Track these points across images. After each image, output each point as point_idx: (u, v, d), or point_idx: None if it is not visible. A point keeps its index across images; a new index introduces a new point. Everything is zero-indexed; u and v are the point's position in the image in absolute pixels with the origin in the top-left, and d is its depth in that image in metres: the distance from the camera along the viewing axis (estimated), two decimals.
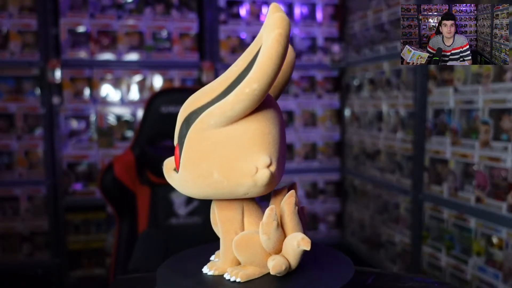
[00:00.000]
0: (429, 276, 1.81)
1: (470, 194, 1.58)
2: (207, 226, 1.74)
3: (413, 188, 1.90)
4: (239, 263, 0.56)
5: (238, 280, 0.53)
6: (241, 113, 0.49)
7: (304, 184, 2.64)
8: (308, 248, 0.52)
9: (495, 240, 1.48)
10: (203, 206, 1.68)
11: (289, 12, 2.55)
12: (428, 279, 0.78)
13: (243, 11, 2.50)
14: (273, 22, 0.45)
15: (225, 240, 0.55)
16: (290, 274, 0.56)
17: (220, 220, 0.55)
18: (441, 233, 1.75)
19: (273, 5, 0.46)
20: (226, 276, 0.54)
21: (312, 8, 2.58)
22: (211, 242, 0.65)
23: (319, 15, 2.59)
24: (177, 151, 0.53)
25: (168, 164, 0.56)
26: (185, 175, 0.52)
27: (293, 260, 0.54)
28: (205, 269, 0.56)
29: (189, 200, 1.68)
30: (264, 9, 2.52)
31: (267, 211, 0.53)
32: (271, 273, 0.53)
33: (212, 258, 0.60)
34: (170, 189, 1.68)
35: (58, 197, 2.35)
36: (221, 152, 0.50)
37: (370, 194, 2.34)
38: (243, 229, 0.55)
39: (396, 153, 2.06)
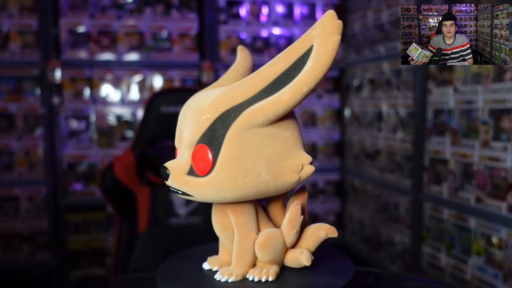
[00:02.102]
0: (429, 276, 1.82)
1: (470, 194, 1.58)
2: (207, 226, 1.74)
3: (413, 188, 1.90)
4: (254, 265, 0.56)
5: (270, 279, 0.54)
6: (290, 111, 0.50)
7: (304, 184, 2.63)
8: (336, 235, 0.57)
9: (494, 240, 1.48)
10: (203, 206, 1.68)
11: (289, 12, 2.55)
12: (428, 278, 0.78)
13: (243, 11, 2.50)
14: (334, 27, 0.48)
15: (244, 243, 0.54)
16: (290, 274, 0.56)
17: (238, 224, 0.54)
18: (441, 233, 1.75)
19: (331, 12, 0.48)
20: (255, 279, 0.54)
21: (312, 8, 2.58)
22: (211, 242, 0.65)
23: (319, 15, 2.58)
24: (204, 152, 0.51)
25: (178, 168, 0.52)
26: (224, 177, 0.50)
27: (313, 250, 0.57)
28: (222, 278, 0.54)
29: (189, 200, 1.67)
30: (264, 9, 2.52)
31: (294, 206, 0.55)
32: (306, 264, 0.55)
33: (206, 266, 0.59)
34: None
35: (58, 197, 2.35)
36: (268, 150, 0.50)
37: (370, 194, 2.34)
38: (259, 230, 0.56)
39: (396, 153, 2.06)
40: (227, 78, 0.63)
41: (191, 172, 0.52)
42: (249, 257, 0.55)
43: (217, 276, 0.55)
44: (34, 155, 2.32)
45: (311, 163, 0.53)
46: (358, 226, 2.50)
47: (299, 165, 0.52)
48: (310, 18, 2.58)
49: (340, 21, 0.48)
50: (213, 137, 0.50)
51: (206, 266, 0.59)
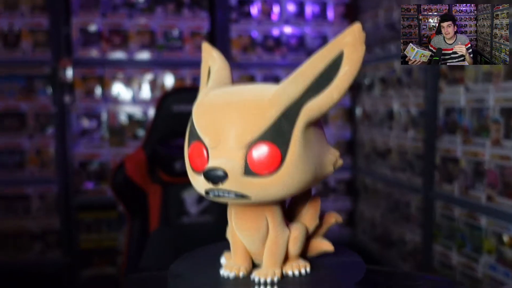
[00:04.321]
0: (440, 274, 1.81)
1: (481, 192, 1.58)
2: (218, 225, 1.74)
3: (424, 186, 1.89)
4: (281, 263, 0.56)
5: (308, 270, 0.56)
6: None
7: None
8: (341, 220, 0.61)
9: (506, 238, 1.47)
10: (214, 205, 1.69)
11: (300, 11, 2.55)
12: (439, 277, 0.78)
13: (254, 10, 2.50)
14: (361, 38, 0.51)
15: (283, 241, 0.55)
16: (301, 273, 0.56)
17: (276, 224, 0.54)
18: (452, 231, 1.74)
19: (358, 25, 0.51)
20: (295, 273, 0.55)
21: (323, 7, 2.57)
22: (222, 241, 0.65)
23: (330, 14, 2.58)
24: (269, 150, 0.49)
25: (235, 169, 0.49)
26: (295, 174, 0.50)
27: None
28: (267, 279, 0.53)
29: (201, 198, 1.68)
30: (275, 8, 2.52)
31: (315, 199, 0.58)
32: (330, 250, 0.59)
33: (230, 274, 0.56)
34: (182, 187, 1.68)
35: (69, 195, 2.36)
36: (318, 145, 0.53)
37: (381, 192, 2.34)
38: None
39: (407, 151, 2.06)
40: (223, 75, 0.65)
41: (247, 172, 0.49)
42: (284, 254, 0.55)
43: (259, 279, 0.54)
44: (46, 154, 2.34)
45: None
46: (369, 224, 2.50)
47: (334, 159, 0.54)
48: (321, 17, 2.58)
49: (364, 33, 0.51)
50: (279, 134, 0.49)
51: (229, 274, 0.56)
